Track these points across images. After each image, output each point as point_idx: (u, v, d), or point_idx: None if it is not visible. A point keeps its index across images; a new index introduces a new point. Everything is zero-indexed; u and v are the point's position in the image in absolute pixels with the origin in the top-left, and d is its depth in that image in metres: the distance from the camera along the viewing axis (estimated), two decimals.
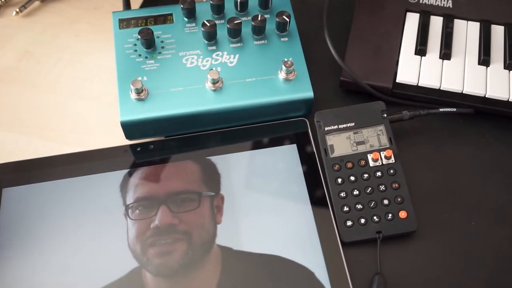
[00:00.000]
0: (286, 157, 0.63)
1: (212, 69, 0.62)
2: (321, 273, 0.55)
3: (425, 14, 0.70)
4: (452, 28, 0.69)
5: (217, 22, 0.66)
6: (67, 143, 0.66)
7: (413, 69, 0.66)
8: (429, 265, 0.57)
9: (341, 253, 0.56)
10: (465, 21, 0.70)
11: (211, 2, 0.66)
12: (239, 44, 0.66)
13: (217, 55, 0.65)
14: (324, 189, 0.60)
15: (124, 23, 0.67)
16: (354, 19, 0.70)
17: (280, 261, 0.56)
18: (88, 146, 0.65)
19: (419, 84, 0.65)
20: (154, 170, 0.62)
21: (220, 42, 0.66)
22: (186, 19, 0.67)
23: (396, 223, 0.58)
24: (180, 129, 0.64)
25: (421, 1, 0.71)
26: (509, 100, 0.64)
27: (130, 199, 0.60)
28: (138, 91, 0.61)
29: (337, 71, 0.68)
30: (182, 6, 0.66)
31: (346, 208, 0.58)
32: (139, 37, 0.64)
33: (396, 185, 0.59)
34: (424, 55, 0.67)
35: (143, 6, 0.79)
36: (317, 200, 0.60)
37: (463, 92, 0.65)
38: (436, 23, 0.70)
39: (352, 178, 0.60)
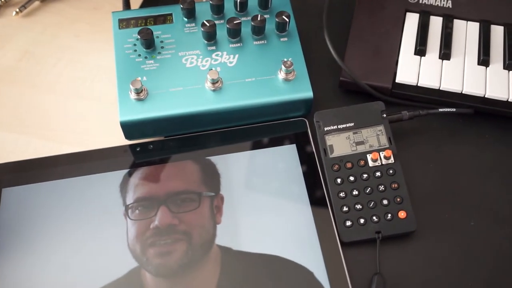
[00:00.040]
0: (286, 157, 0.63)
1: (211, 69, 0.62)
2: (321, 273, 0.55)
3: (425, 14, 0.70)
4: (451, 28, 0.69)
5: (216, 22, 0.66)
6: (67, 143, 0.66)
7: (413, 69, 0.66)
8: (428, 265, 0.57)
9: (341, 253, 0.56)
10: (465, 21, 0.70)
11: (210, 2, 0.66)
12: (238, 44, 0.66)
13: (217, 55, 0.65)
14: (323, 189, 0.60)
15: (123, 23, 0.67)
16: (353, 19, 0.70)
17: (279, 261, 0.56)
18: (88, 146, 0.65)
19: (418, 84, 0.65)
20: (153, 170, 0.62)
21: (220, 42, 0.66)
22: (185, 19, 0.68)
23: (396, 223, 0.58)
24: (179, 129, 0.64)
25: (420, 1, 0.71)
26: (509, 100, 0.64)
27: (130, 199, 0.60)
28: (138, 91, 0.61)
29: (336, 71, 0.68)
30: (181, 6, 0.66)
31: (345, 208, 0.58)
32: (139, 37, 0.64)
33: (396, 185, 0.59)
34: (424, 55, 0.67)
35: (142, 6, 0.79)
36: (317, 200, 0.60)
37: (463, 92, 0.65)
38: (436, 23, 0.70)
39: (352, 178, 0.60)
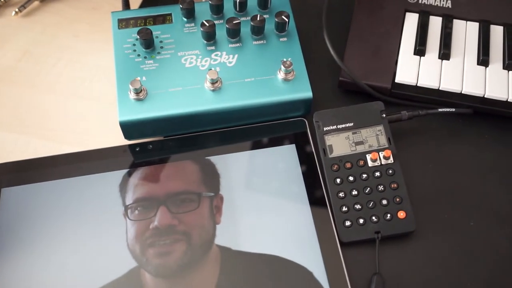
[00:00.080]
0: (285, 157, 0.63)
1: (211, 69, 0.62)
2: (320, 273, 0.55)
3: (424, 14, 0.70)
4: (451, 28, 0.69)
5: (216, 22, 0.66)
6: (66, 143, 0.66)
7: (412, 69, 0.66)
8: (427, 265, 0.57)
9: (340, 253, 0.56)
10: (464, 21, 0.70)
11: (210, 2, 0.66)
12: (238, 44, 0.66)
13: (216, 55, 0.65)
14: (323, 189, 0.60)
15: (123, 23, 0.67)
16: (353, 19, 0.70)
17: (278, 261, 0.56)
18: (87, 146, 0.65)
19: (418, 84, 0.65)
20: (153, 170, 0.62)
21: (219, 42, 0.66)
22: (185, 19, 0.68)
23: (395, 223, 0.58)
24: (179, 129, 0.64)
25: (420, 1, 0.71)
26: (508, 100, 0.64)
27: (129, 200, 0.60)
28: (137, 91, 0.61)
29: (336, 71, 0.68)
30: (181, 6, 0.66)
31: (344, 208, 0.58)
32: (138, 37, 0.64)
33: (395, 185, 0.59)
34: (423, 55, 0.67)
35: (142, 6, 0.79)
36: (316, 200, 0.60)
37: (462, 92, 0.65)
38: (435, 23, 0.70)
39: (351, 178, 0.60)
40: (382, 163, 0.60)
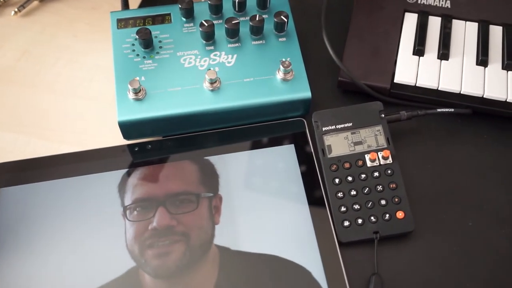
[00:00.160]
0: (284, 157, 0.63)
1: (210, 69, 0.62)
2: (318, 273, 0.55)
3: (423, 15, 0.70)
4: (450, 28, 0.69)
5: (215, 22, 0.66)
6: (65, 142, 0.66)
7: (411, 69, 0.66)
8: (426, 266, 0.57)
9: (338, 253, 0.56)
10: (464, 22, 0.70)
11: (209, 2, 0.66)
12: (237, 44, 0.66)
13: (215, 55, 0.65)
14: (321, 189, 0.60)
15: (122, 23, 0.67)
16: (352, 19, 0.70)
17: (277, 261, 0.56)
18: (86, 145, 0.65)
19: (417, 85, 0.65)
20: (152, 170, 0.62)
21: (218, 42, 0.66)
22: (184, 19, 0.67)
23: (393, 224, 0.58)
24: (178, 129, 0.64)
25: (419, 1, 0.71)
26: (507, 100, 0.64)
27: (128, 200, 0.60)
28: (136, 91, 0.61)
29: (335, 71, 0.68)
30: (180, 6, 0.66)
31: (343, 208, 0.58)
32: (137, 37, 0.64)
33: (394, 185, 0.59)
34: (422, 56, 0.67)
35: (141, 6, 0.79)
36: (315, 200, 0.60)
37: (461, 92, 0.65)
38: (434, 24, 0.70)
39: (350, 178, 0.60)
40: (381, 163, 0.60)
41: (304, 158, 0.63)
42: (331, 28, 0.68)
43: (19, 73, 0.72)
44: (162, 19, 0.68)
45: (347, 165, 0.60)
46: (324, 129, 0.62)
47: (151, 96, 0.62)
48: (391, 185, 0.59)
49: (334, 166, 0.60)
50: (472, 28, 0.69)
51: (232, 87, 0.63)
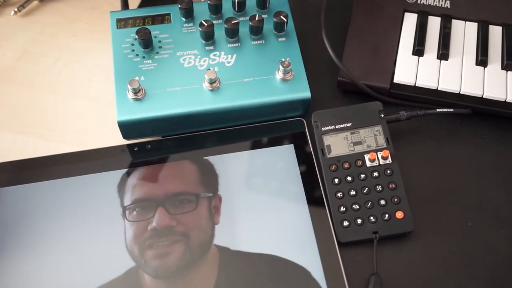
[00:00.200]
0: (284, 157, 0.63)
1: (209, 69, 0.62)
2: (318, 273, 0.55)
3: (423, 14, 0.70)
4: (450, 28, 0.69)
5: (214, 22, 0.66)
6: (65, 142, 0.66)
7: (411, 70, 0.66)
8: (426, 266, 0.57)
9: (338, 253, 0.56)
10: (463, 22, 0.70)
11: (208, 2, 0.66)
12: (236, 44, 0.66)
13: (215, 55, 0.65)
14: (321, 189, 0.60)
15: (121, 23, 0.67)
16: (352, 19, 0.70)
17: (277, 260, 0.56)
18: (86, 145, 0.65)
19: (416, 85, 0.65)
20: (151, 170, 0.62)
21: (218, 42, 0.66)
22: (183, 19, 0.68)
23: (393, 224, 0.58)
24: (177, 129, 0.64)
25: (419, 1, 0.71)
26: (506, 100, 0.64)
27: (127, 201, 0.60)
28: (135, 91, 0.61)
29: (334, 71, 0.68)
30: (179, 6, 0.66)
31: (342, 209, 0.58)
32: (137, 37, 0.64)
33: (393, 185, 0.59)
34: (422, 56, 0.67)
35: (141, 6, 0.79)
36: (314, 200, 0.60)
37: (461, 92, 0.65)
38: (434, 24, 0.70)
39: (349, 178, 0.60)
40: (380, 163, 0.60)
41: (303, 158, 0.63)
42: (330, 28, 0.69)
43: (18, 73, 0.72)
44: (162, 19, 0.68)
45: (346, 165, 0.60)
46: (323, 129, 0.62)
47: (150, 96, 0.62)
48: (391, 185, 0.59)
49: (334, 166, 0.60)
50: (471, 28, 0.69)
51: (232, 87, 0.63)
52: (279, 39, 0.66)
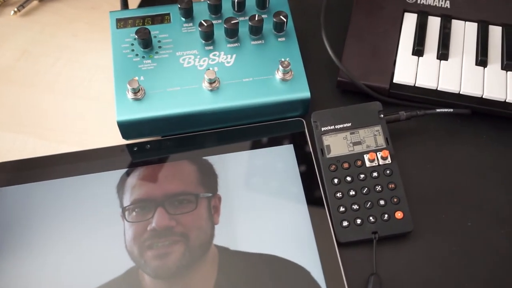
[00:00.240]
0: (283, 157, 0.63)
1: (209, 69, 0.62)
2: (317, 273, 0.55)
3: (423, 15, 0.70)
4: (449, 28, 0.69)
5: (214, 22, 0.66)
6: (64, 142, 0.66)
7: (410, 70, 0.66)
8: (425, 266, 0.57)
9: (337, 253, 0.56)
10: (463, 22, 0.70)
11: (208, 2, 0.66)
12: (236, 44, 0.66)
13: (214, 55, 0.65)
14: (320, 190, 0.60)
15: (121, 23, 0.67)
16: (351, 19, 0.70)
17: (276, 260, 0.56)
18: (85, 145, 0.65)
19: (416, 85, 0.65)
20: (151, 170, 0.62)
21: (217, 42, 0.66)
22: (183, 19, 0.67)
23: (392, 224, 0.58)
24: (177, 129, 0.64)
25: (419, 2, 0.71)
26: (506, 100, 0.64)
27: (127, 201, 0.60)
28: (135, 91, 0.61)
29: (334, 71, 0.68)
30: (179, 6, 0.66)
31: (342, 209, 0.58)
32: (136, 36, 0.64)
33: (393, 185, 0.59)
34: (422, 56, 0.67)
35: (140, 6, 0.79)
36: (314, 200, 0.60)
37: (460, 92, 0.64)
38: (434, 24, 0.70)
39: (349, 178, 0.60)
40: (380, 163, 0.60)
41: (303, 158, 0.62)
42: (330, 28, 0.68)
43: (18, 73, 0.72)
44: (162, 19, 0.68)
45: (346, 165, 0.60)
46: (323, 129, 0.62)
47: (150, 96, 0.62)
48: (390, 185, 0.59)
49: (333, 166, 0.60)
50: (471, 28, 0.69)
51: (231, 87, 0.63)
52: (279, 39, 0.66)
